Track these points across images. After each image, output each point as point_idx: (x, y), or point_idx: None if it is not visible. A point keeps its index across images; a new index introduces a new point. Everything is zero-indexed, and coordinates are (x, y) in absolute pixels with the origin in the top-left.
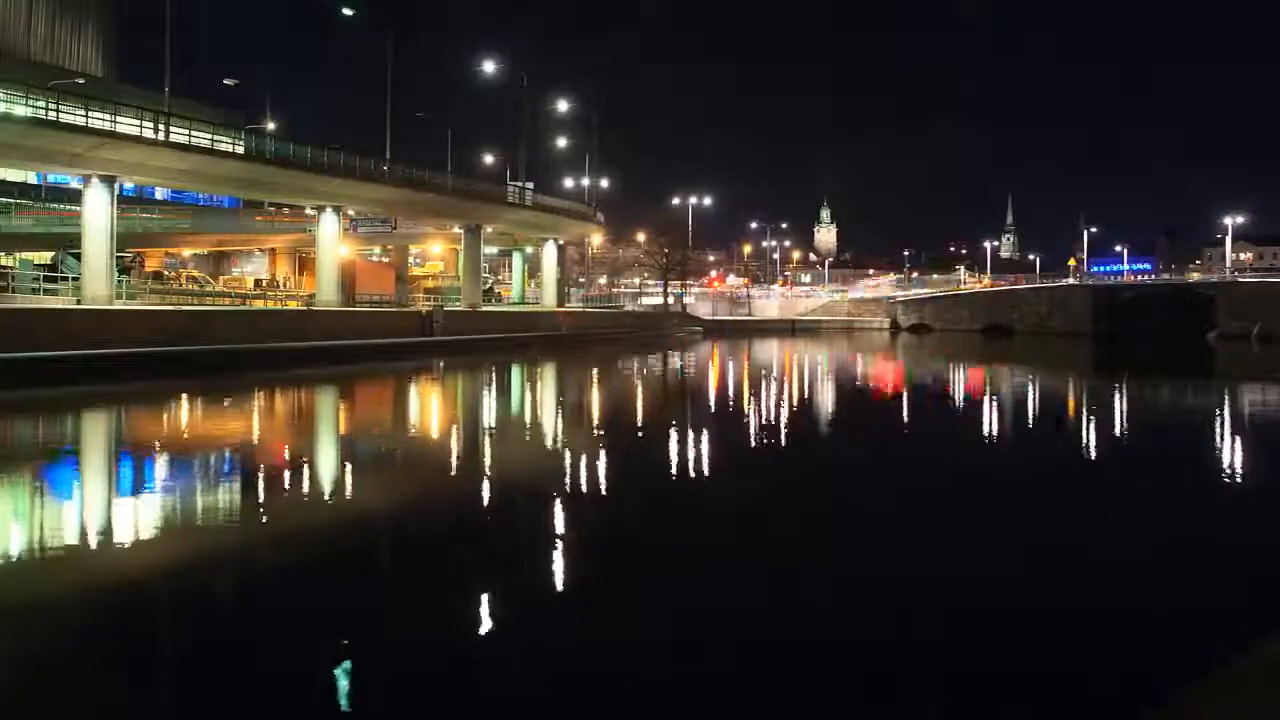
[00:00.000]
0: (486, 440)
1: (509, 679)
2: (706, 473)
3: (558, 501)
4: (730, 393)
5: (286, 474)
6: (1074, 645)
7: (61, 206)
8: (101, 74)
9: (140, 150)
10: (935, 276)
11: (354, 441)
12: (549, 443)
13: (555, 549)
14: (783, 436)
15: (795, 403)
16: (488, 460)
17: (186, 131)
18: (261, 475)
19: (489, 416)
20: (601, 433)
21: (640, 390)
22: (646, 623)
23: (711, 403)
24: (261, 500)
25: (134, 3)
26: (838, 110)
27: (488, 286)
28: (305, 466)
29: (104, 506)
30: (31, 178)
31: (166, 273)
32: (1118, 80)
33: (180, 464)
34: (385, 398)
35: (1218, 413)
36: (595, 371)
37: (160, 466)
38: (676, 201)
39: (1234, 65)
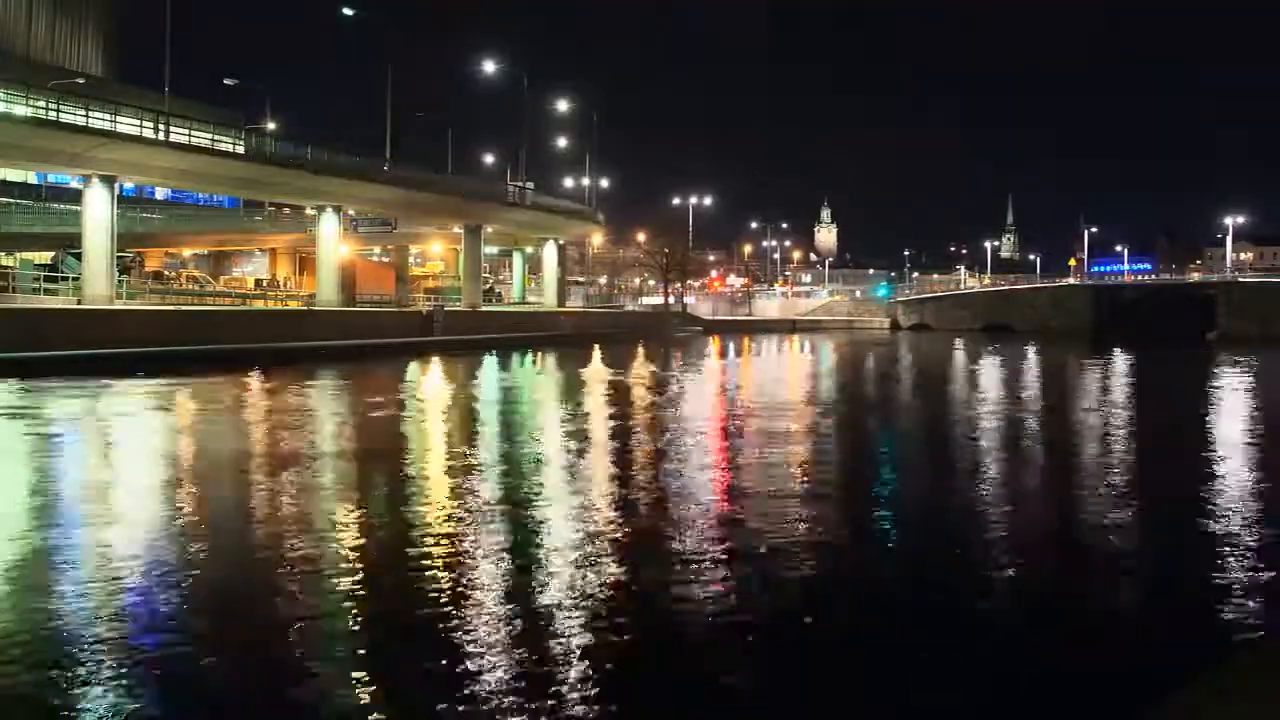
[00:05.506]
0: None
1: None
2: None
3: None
4: (726, 389)
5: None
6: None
7: (61, 206)
8: (101, 74)
9: (140, 150)
10: (935, 276)
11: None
12: (544, 439)
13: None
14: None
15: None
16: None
17: (186, 131)
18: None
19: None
20: (595, 426)
21: (640, 388)
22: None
23: (708, 400)
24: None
25: (134, 3)
26: (838, 110)
27: (488, 286)
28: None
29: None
30: (31, 178)
31: (166, 273)
32: (1118, 80)
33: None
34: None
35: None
36: (593, 371)
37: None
38: (677, 201)
39: (1235, 65)
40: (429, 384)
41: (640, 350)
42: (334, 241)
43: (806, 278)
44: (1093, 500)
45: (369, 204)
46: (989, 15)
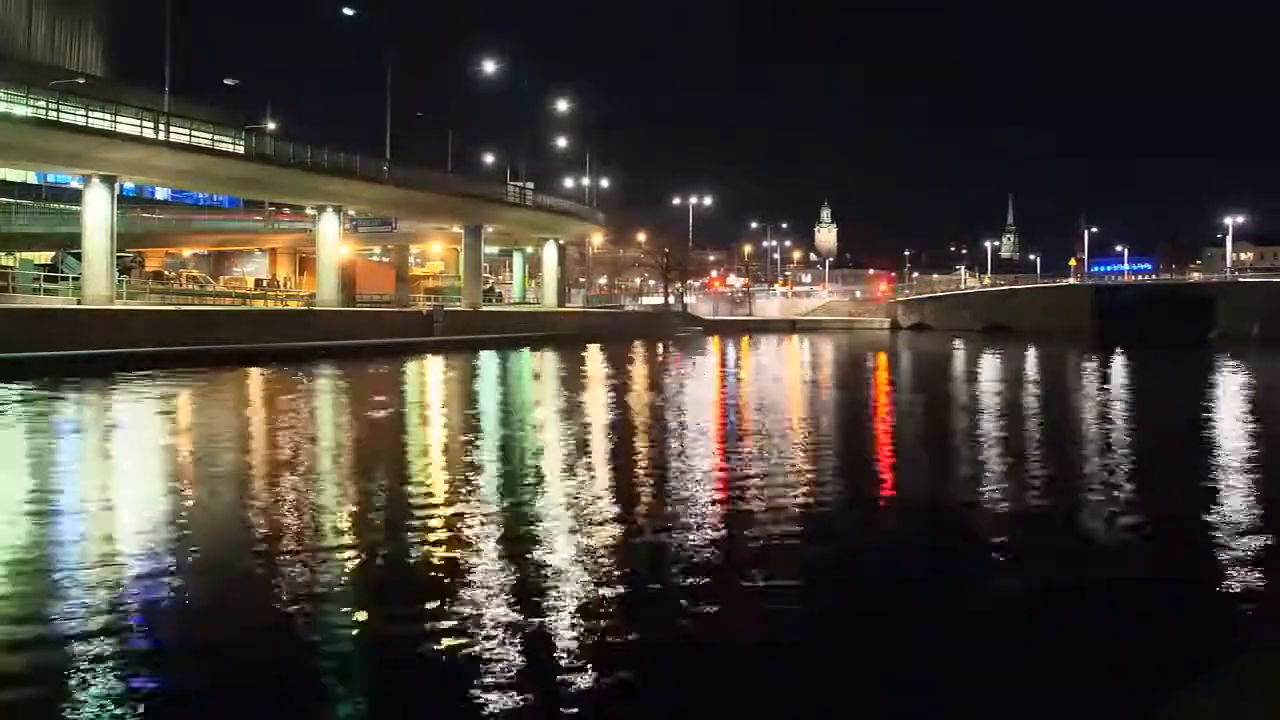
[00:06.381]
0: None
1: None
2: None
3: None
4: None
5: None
6: None
7: (61, 206)
8: (101, 74)
9: (140, 150)
10: (935, 276)
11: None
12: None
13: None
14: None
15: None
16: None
17: (186, 131)
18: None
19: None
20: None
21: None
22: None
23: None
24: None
25: (134, 3)
26: (838, 110)
27: (488, 286)
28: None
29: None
30: (31, 178)
31: (166, 273)
32: (1118, 80)
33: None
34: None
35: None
36: (591, 371)
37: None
38: (677, 201)
39: (1235, 65)
40: (428, 384)
41: (640, 350)
42: (334, 241)
43: (806, 278)
44: (1093, 499)
45: (369, 204)
46: (989, 15)
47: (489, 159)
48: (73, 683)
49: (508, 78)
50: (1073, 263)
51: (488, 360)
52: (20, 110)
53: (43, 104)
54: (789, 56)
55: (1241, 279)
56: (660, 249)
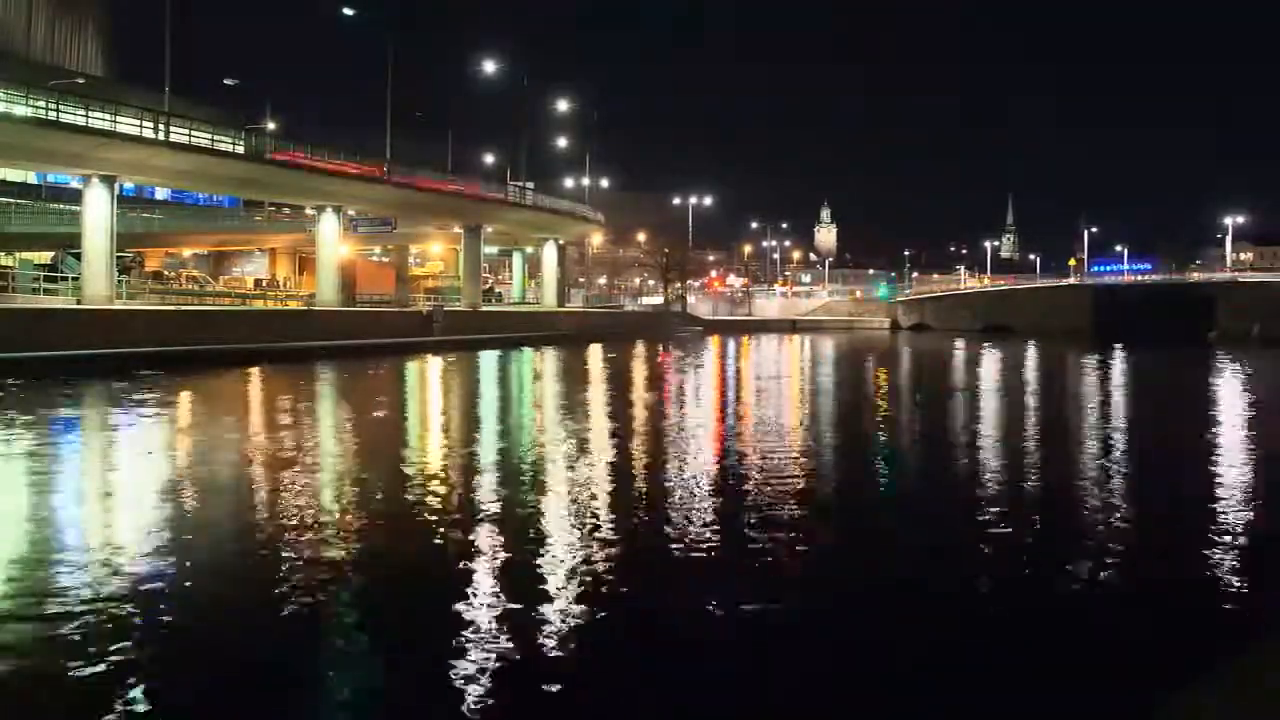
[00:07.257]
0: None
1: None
2: None
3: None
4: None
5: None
6: None
7: (61, 206)
8: (101, 74)
9: (140, 150)
10: (935, 276)
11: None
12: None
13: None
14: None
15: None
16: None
17: (186, 131)
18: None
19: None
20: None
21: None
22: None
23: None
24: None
25: (134, 3)
26: (838, 110)
27: (488, 286)
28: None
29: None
30: (31, 178)
31: (166, 273)
32: (1119, 79)
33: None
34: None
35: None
36: (591, 371)
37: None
38: (677, 201)
39: (1235, 64)
40: (428, 384)
41: (641, 349)
42: (334, 241)
43: (806, 278)
44: (1092, 498)
45: (369, 204)
46: (988, 14)
47: (489, 159)
48: None
49: (507, 78)
50: (1072, 263)
51: (489, 360)
52: (20, 110)
53: (43, 104)
54: (789, 56)
55: (1241, 279)
56: (660, 249)
